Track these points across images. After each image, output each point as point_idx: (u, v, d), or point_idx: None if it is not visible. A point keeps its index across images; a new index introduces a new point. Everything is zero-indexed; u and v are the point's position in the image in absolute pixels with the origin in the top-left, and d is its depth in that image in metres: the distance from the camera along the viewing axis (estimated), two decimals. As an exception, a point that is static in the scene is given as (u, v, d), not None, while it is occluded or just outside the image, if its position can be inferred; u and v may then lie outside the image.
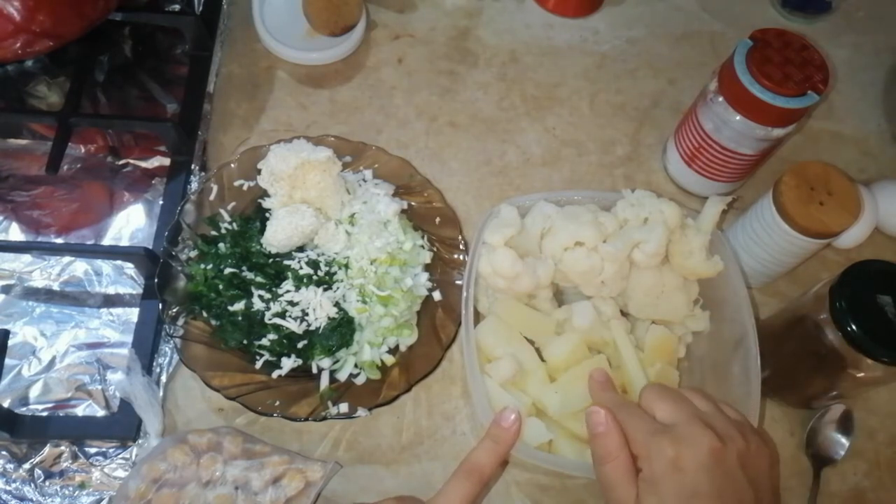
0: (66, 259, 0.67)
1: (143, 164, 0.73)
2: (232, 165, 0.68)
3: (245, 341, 0.61)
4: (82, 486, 0.59)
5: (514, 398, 0.58)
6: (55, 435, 0.60)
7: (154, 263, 0.63)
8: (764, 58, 0.64)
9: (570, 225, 0.61)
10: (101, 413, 0.62)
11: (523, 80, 0.84)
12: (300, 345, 0.61)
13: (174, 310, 0.61)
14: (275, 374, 0.61)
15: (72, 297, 0.66)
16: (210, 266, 0.63)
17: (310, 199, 0.64)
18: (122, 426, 0.60)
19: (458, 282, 0.65)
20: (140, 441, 0.61)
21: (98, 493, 0.59)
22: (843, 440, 0.65)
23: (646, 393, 0.50)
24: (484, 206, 0.74)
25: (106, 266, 0.68)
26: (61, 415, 0.61)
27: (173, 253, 0.63)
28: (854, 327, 0.54)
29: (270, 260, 0.63)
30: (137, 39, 0.81)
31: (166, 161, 0.73)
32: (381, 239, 0.64)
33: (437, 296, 0.65)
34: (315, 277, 0.63)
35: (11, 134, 0.74)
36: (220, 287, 0.62)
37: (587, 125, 0.82)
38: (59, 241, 0.69)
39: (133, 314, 0.65)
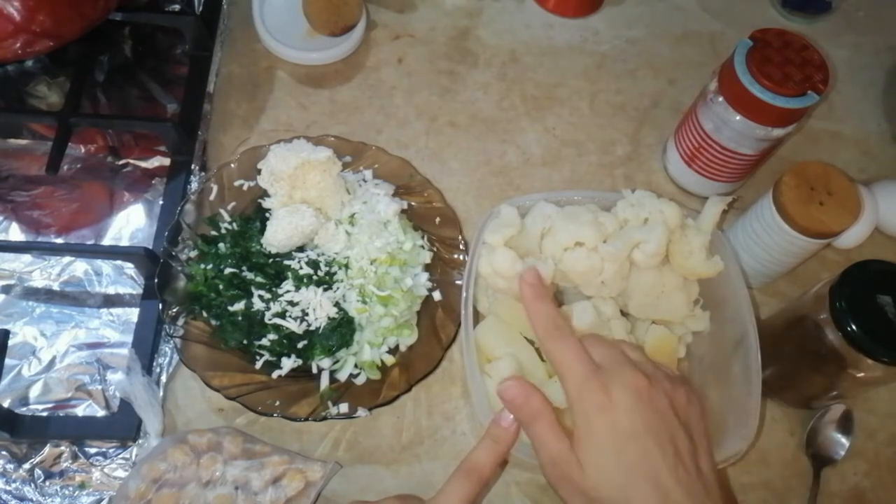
0: (66, 259, 0.67)
1: (143, 164, 0.73)
2: (232, 165, 0.68)
3: (245, 341, 0.61)
4: (82, 486, 0.59)
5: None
6: (55, 435, 0.60)
7: (154, 263, 0.63)
8: (764, 58, 0.64)
9: (570, 225, 0.61)
10: (101, 413, 0.62)
11: (523, 80, 0.84)
12: (300, 345, 0.61)
13: (174, 310, 0.61)
14: (275, 374, 0.61)
15: (72, 297, 0.66)
16: (210, 266, 0.63)
17: (310, 199, 0.64)
18: (122, 426, 0.60)
19: (458, 282, 0.65)
20: (140, 441, 0.61)
21: (98, 494, 0.59)
22: (844, 440, 0.65)
23: (585, 338, 0.50)
24: (484, 206, 0.75)
25: (106, 266, 0.68)
26: (61, 415, 0.61)
27: (173, 253, 0.63)
28: (854, 327, 0.54)
29: (270, 260, 0.63)
30: (137, 39, 0.81)
31: (166, 161, 0.73)
32: (381, 239, 0.64)
33: (437, 296, 0.65)
34: (315, 277, 0.63)
35: (11, 134, 0.74)
36: (220, 287, 0.62)
37: (587, 125, 0.82)
38: (59, 241, 0.69)
39: (133, 314, 0.65)
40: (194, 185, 0.72)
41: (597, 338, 0.50)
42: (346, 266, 0.63)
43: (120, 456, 0.60)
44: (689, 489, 0.44)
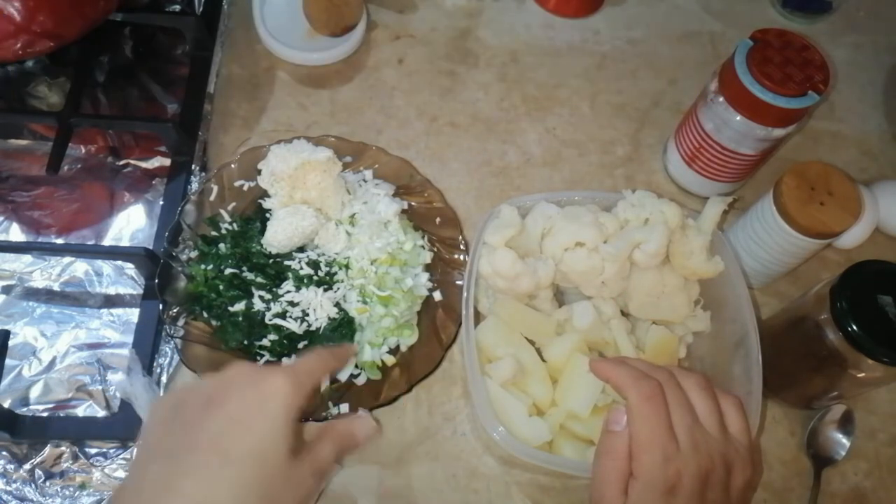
0: (67, 259, 0.67)
1: (144, 165, 0.73)
2: (232, 166, 0.68)
3: (245, 342, 0.61)
4: (83, 486, 0.59)
5: (514, 398, 0.58)
6: (55, 435, 0.60)
7: (154, 264, 0.63)
8: (764, 58, 0.64)
9: (571, 225, 0.61)
10: (101, 413, 0.61)
11: (524, 81, 0.84)
12: (301, 345, 0.61)
13: (174, 310, 0.61)
14: (275, 375, 0.61)
15: (72, 298, 0.66)
16: (210, 266, 0.63)
17: (310, 200, 0.64)
18: (122, 426, 0.60)
19: (459, 282, 0.65)
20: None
21: (98, 494, 0.59)
22: (844, 440, 0.65)
23: (668, 393, 0.49)
24: (484, 207, 0.74)
25: (106, 266, 0.68)
26: (62, 415, 0.61)
27: (174, 253, 0.63)
28: (854, 327, 0.54)
29: (271, 260, 0.63)
30: (138, 40, 0.81)
31: (167, 161, 0.73)
32: (382, 239, 0.64)
33: (437, 296, 0.65)
34: (315, 278, 0.63)
35: (12, 134, 0.74)
36: (221, 287, 0.62)
37: (587, 125, 0.82)
38: (60, 241, 0.69)
39: (133, 315, 0.65)
40: (195, 186, 0.71)
41: (677, 403, 0.48)
42: (347, 266, 0.63)
43: (120, 456, 0.60)
44: None
